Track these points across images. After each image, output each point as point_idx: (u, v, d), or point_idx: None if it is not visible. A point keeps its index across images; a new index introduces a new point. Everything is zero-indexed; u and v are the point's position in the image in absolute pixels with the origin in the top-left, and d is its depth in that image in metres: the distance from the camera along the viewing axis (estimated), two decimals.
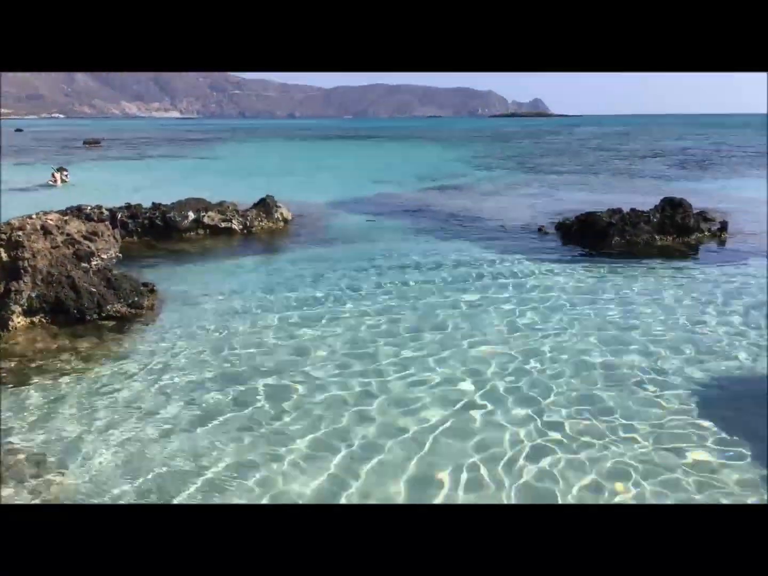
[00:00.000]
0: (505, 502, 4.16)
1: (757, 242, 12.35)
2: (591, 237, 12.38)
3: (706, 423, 5.26)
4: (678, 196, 14.61)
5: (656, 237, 12.30)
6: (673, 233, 12.43)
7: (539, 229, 13.51)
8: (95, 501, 4.32)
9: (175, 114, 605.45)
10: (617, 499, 3.98)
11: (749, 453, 4.78)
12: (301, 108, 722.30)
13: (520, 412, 5.49)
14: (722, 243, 12.43)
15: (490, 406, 5.58)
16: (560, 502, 4.04)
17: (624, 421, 5.30)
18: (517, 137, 73.14)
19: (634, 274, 9.94)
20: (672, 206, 13.53)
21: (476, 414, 5.44)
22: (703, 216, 14.05)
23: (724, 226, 13.11)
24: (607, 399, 5.70)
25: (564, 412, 5.48)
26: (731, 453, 4.80)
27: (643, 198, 16.77)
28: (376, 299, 8.69)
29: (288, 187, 22.20)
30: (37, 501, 4.35)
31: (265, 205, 14.60)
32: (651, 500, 3.98)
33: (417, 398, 5.74)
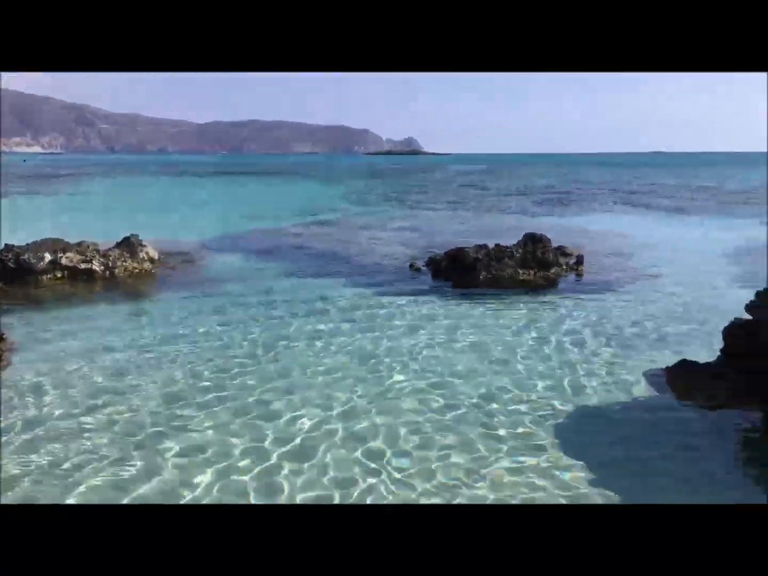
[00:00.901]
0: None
1: (610, 275, 13.17)
2: (460, 272, 12.76)
3: (547, 441, 5.45)
4: (540, 231, 15.40)
5: (519, 271, 12.85)
6: (535, 267, 13.04)
7: (411, 266, 13.76)
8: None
9: (38, 149, 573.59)
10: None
11: (582, 463, 5.00)
12: (173, 143, 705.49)
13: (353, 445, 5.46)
14: (579, 276, 13.17)
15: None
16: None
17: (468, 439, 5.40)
18: (393, 174, 74.99)
19: (497, 308, 10.31)
20: (533, 242, 14.23)
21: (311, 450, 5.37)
22: (562, 251, 14.87)
23: (580, 260, 13.92)
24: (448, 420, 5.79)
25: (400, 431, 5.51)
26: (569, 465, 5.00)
27: (509, 233, 17.57)
28: (236, 339, 8.45)
29: (157, 225, 21.46)
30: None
31: (128, 245, 13.96)
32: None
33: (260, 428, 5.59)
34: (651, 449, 5.49)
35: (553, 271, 13.11)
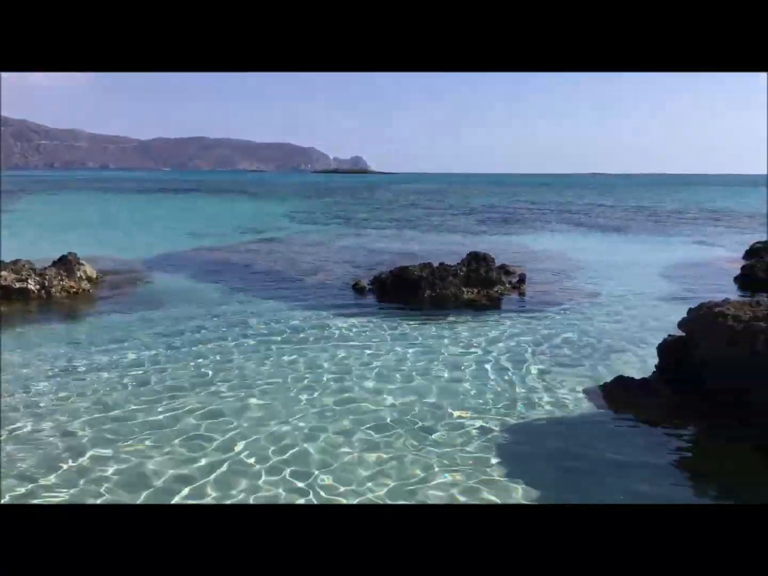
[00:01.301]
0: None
1: (551, 293, 13.45)
2: (404, 291, 12.83)
3: (483, 455, 5.50)
4: (484, 250, 15.67)
5: (463, 290, 13.00)
6: (478, 286, 13.21)
7: (355, 285, 13.76)
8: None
9: None
10: None
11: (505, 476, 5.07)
12: (115, 159, 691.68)
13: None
14: (521, 294, 13.39)
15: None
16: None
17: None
18: (339, 193, 75.17)
19: (439, 326, 10.38)
20: (477, 260, 14.45)
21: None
22: (505, 269, 15.15)
23: (522, 279, 14.17)
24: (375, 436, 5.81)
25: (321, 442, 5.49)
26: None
27: (455, 252, 17.79)
28: (173, 362, 8.29)
29: (98, 243, 20.98)
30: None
31: (65, 263, 13.57)
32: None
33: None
34: (585, 463, 5.59)
35: (496, 289, 13.30)
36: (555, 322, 10.75)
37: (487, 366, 8.29)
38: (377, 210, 44.04)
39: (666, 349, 7.13)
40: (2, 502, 4.44)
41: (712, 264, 18.32)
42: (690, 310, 7.10)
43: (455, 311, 11.68)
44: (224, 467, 5.48)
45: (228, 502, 4.58)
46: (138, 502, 4.77)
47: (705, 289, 13.81)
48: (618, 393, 6.89)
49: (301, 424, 6.39)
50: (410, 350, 9.01)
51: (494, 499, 4.93)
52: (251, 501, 4.83)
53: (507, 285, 13.75)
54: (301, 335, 9.77)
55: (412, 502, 4.50)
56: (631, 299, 12.91)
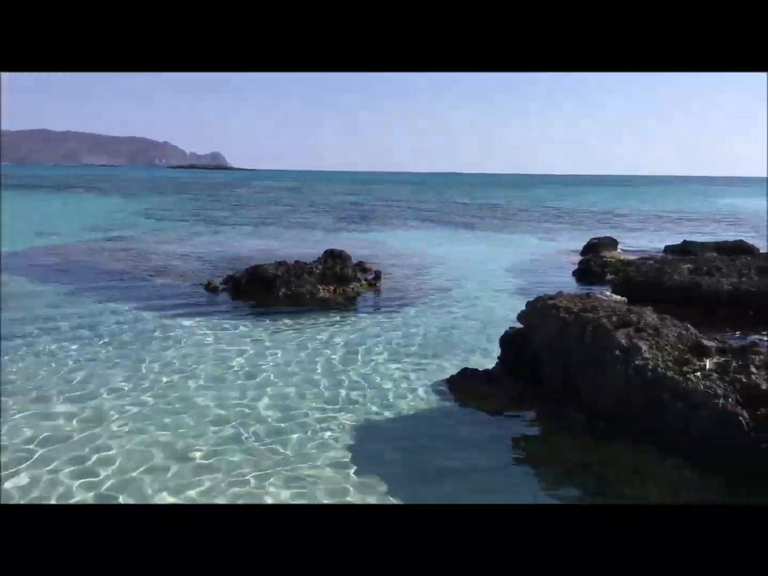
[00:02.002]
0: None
1: (405, 290, 13.74)
2: (259, 290, 12.61)
3: (333, 454, 5.53)
4: (342, 247, 15.72)
5: (319, 287, 12.97)
6: (334, 284, 13.24)
7: (208, 284, 13.34)
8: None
9: None
10: None
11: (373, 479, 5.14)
12: None
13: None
14: (377, 291, 13.58)
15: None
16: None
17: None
18: (195, 189, 72.79)
19: (293, 325, 10.29)
20: (333, 258, 14.49)
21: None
22: (361, 266, 15.28)
23: (378, 276, 14.37)
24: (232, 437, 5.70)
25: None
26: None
27: (312, 249, 17.73)
28: (7, 369, 7.66)
29: None
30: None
31: None
32: None
33: None
34: (431, 455, 5.72)
35: (352, 286, 13.39)
36: (408, 318, 10.98)
37: (338, 363, 8.31)
38: (235, 207, 43.10)
39: (507, 341, 7.47)
40: (2, 502, 4.48)
41: (554, 259, 19.52)
42: (528, 303, 7.48)
43: (310, 309, 11.63)
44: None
45: (228, 502, 4.60)
46: (138, 502, 4.75)
47: (547, 282, 14.63)
48: (463, 385, 7.13)
49: (136, 425, 6.10)
50: (260, 349, 8.86)
51: (335, 499, 4.93)
52: (240, 501, 4.72)
53: (363, 282, 13.89)
54: (146, 336, 9.34)
55: (412, 503, 4.49)
56: (481, 294, 13.46)
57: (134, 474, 5.29)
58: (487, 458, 5.71)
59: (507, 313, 11.03)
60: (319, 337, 9.65)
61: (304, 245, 21.13)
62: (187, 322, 10.28)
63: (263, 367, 8.09)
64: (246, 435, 6.11)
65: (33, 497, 4.83)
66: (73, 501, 4.77)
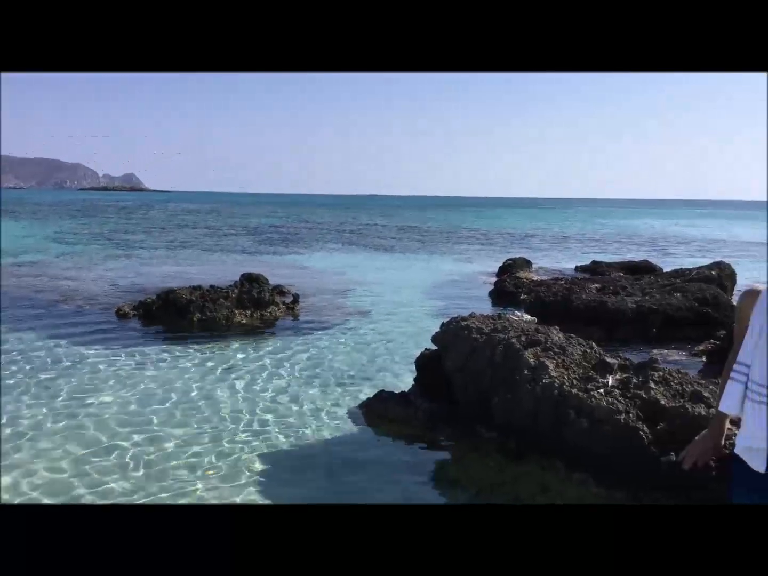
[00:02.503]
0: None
1: (325, 313, 13.68)
2: (172, 315, 12.28)
3: (245, 482, 5.42)
4: (260, 270, 15.56)
5: (236, 312, 12.75)
6: (251, 308, 13.05)
7: (118, 310, 12.87)
8: None
9: None
10: None
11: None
12: None
13: None
14: (295, 315, 13.47)
15: None
16: None
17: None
18: (108, 212, 70.50)
19: (207, 352, 10.04)
20: (250, 281, 14.30)
21: None
22: (279, 290, 15.15)
23: (296, 299, 14.26)
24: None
25: None
26: None
27: (230, 273, 17.45)
28: None
29: None
30: None
31: None
32: None
33: None
34: (342, 481, 5.68)
35: (269, 310, 13.23)
36: (325, 342, 10.93)
37: (251, 388, 8.17)
38: (149, 230, 41.97)
39: (422, 362, 7.54)
40: (2, 502, 4.52)
41: (471, 280, 19.92)
42: (442, 325, 7.58)
43: (225, 335, 11.40)
44: None
45: (228, 502, 4.72)
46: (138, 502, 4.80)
47: (464, 303, 14.86)
48: (379, 408, 7.13)
49: (39, 450, 5.79)
50: (170, 376, 8.59)
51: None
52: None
53: (281, 306, 13.74)
54: (50, 365, 8.90)
55: (412, 503, 4.50)
56: (398, 316, 13.56)
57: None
58: (401, 483, 5.70)
59: (424, 334, 11.11)
60: (232, 362, 9.46)
61: (221, 269, 20.75)
62: (92, 350, 9.86)
63: (172, 394, 7.85)
64: (149, 460, 5.92)
65: None
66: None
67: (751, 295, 3.02)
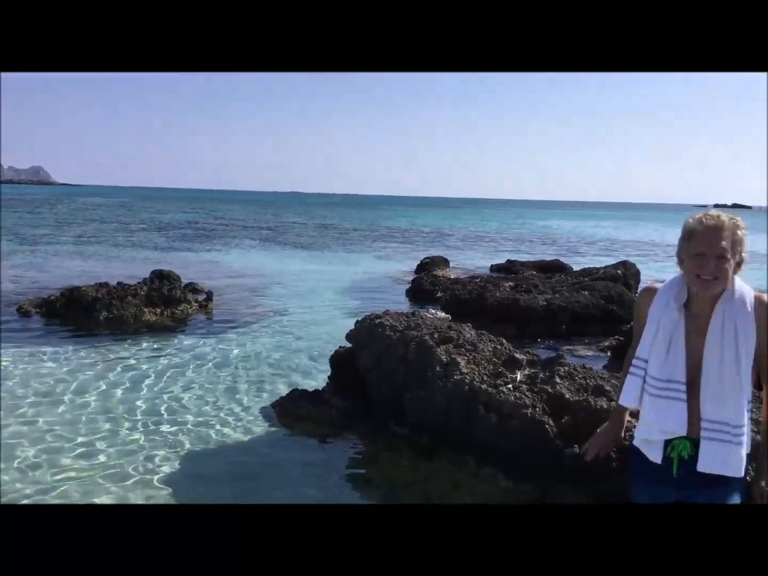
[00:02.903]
0: None
1: (239, 312, 13.41)
2: (78, 314, 11.75)
3: (158, 488, 5.24)
4: (172, 267, 15.10)
5: (145, 310, 12.32)
6: (162, 306, 12.64)
7: (19, 307, 12.21)
8: None
9: None
10: None
11: None
12: None
13: None
14: (208, 313, 13.14)
15: None
16: None
17: None
18: (12, 205, 66.88)
19: (114, 352, 9.63)
20: (161, 278, 13.87)
21: None
22: (192, 287, 14.75)
23: (209, 297, 13.92)
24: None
25: None
26: None
27: (141, 269, 16.86)
28: None
29: None
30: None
31: None
32: None
33: None
34: (253, 485, 5.55)
35: (181, 308, 12.86)
36: (238, 341, 10.70)
37: (158, 389, 7.88)
38: (57, 225, 40.11)
39: (336, 360, 7.48)
40: (2, 502, 4.54)
41: (389, 278, 20.00)
42: (356, 322, 7.55)
43: (133, 333, 10.98)
44: None
45: (228, 502, 4.63)
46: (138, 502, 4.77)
47: (381, 301, 14.91)
48: (291, 408, 7.02)
49: None
50: (73, 376, 8.19)
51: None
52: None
53: (193, 304, 13.38)
54: None
55: (411, 503, 4.47)
56: (315, 314, 13.45)
57: None
58: (314, 484, 5.60)
59: (340, 332, 11.05)
60: (139, 361, 9.11)
61: (131, 266, 20.02)
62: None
63: (74, 395, 7.49)
64: (45, 460, 5.63)
65: None
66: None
67: (648, 292, 3.12)
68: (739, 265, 2.82)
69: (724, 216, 2.80)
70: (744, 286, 2.87)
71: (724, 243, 2.74)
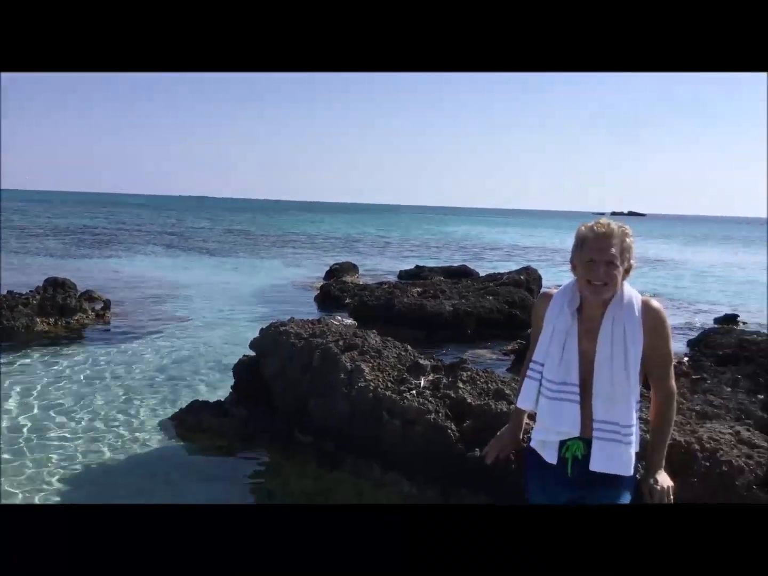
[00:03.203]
0: None
1: (139, 320, 12.91)
2: None
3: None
4: (69, 275, 14.34)
5: (37, 320, 11.64)
6: (56, 315, 11.99)
7: None
8: None
9: None
10: None
11: None
12: None
13: None
14: (106, 322, 12.57)
15: None
16: None
17: None
18: None
19: (5, 363, 9.05)
20: (55, 287, 13.14)
21: None
22: (89, 295, 14.09)
23: (107, 305, 13.33)
24: None
25: None
26: None
27: (34, 278, 15.94)
28: None
29: None
30: None
31: None
32: None
33: None
34: (153, 498, 5.31)
35: (76, 318, 12.24)
36: (137, 351, 10.27)
37: (50, 403, 7.44)
38: None
39: (240, 369, 7.29)
40: (2, 502, 4.61)
41: (298, 284, 19.81)
42: (261, 330, 7.38)
43: (25, 345, 10.33)
44: None
45: (228, 502, 4.63)
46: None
47: (289, 308, 14.67)
48: (191, 420, 6.78)
49: None
50: None
51: None
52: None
53: (90, 313, 12.77)
54: None
55: (410, 503, 4.46)
56: (219, 322, 13.13)
57: None
58: (215, 500, 5.42)
59: (245, 341, 10.82)
60: (29, 373, 8.59)
61: (24, 274, 18.92)
62: None
63: None
64: None
65: None
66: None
67: (545, 297, 3.19)
68: (627, 271, 2.93)
69: (614, 224, 2.89)
70: (632, 291, 2.97)
71: (613, 250, 2.83)
